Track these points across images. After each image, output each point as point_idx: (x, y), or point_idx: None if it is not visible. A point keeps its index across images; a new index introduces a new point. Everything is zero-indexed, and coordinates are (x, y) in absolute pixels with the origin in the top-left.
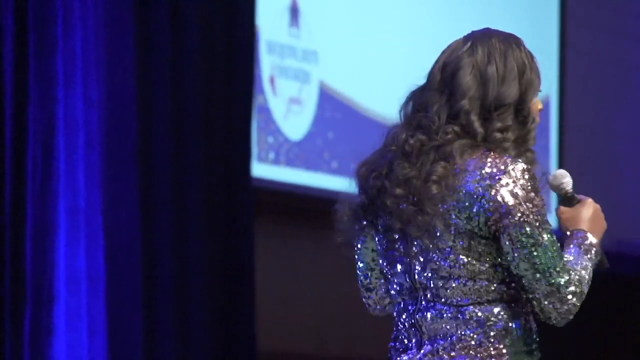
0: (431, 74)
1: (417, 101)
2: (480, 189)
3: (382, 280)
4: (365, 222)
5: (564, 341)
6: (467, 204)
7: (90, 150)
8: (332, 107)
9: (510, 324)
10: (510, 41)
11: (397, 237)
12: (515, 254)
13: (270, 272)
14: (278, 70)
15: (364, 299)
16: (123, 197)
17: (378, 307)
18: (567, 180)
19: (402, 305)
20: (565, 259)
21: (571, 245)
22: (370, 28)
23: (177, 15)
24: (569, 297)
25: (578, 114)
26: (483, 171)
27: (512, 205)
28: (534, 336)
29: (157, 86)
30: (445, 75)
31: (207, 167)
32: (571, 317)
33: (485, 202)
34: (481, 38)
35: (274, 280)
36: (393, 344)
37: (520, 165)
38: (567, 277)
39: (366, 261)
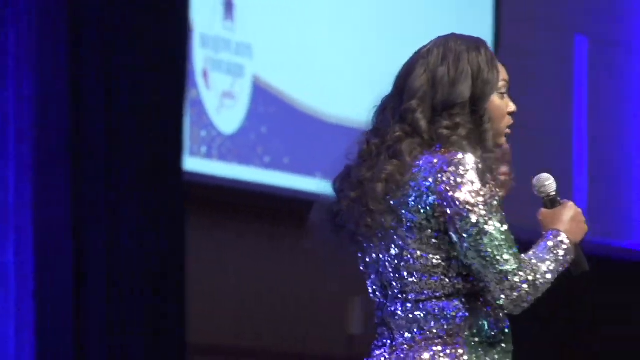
0: (395, 79)
1: (381, 106)
2: (426, 182)
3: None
4: (343, 229)
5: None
6: (414, 197)
7: (20, 145)
8: (265, 101)
9: (470, 317)
10: (470, 44)
11: (359, 239)
12: (463, 244)
13: (202, 266)
14: (211, 63)
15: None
16: (53, 192)
17: None
18: (549, 184)
19: (377, 304)
20: (517, 251)
21: (540, 242)
22: (305, 22)
23: (108, 8)
24: (519, 284)
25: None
26: (430, 165)
27: (456, 195)
28: (499, 328)
29: (88, 80)
30: (401, 78)
31: (139, 161)
32: (524, 305)
33: (431, 194)
34: (441, 41)
35: (205, 274)
36: (375, 342)
37: (466, 158)
38: (515, 265)
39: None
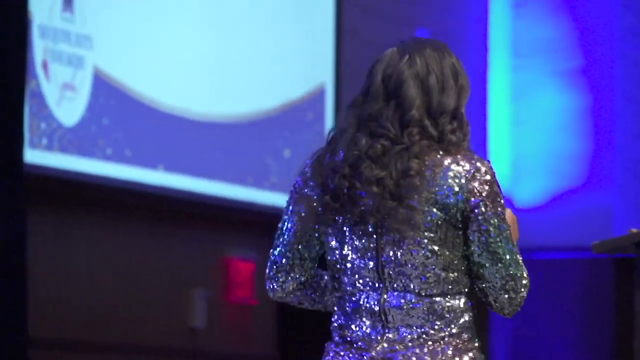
0: (373, 86)
1: (365, 110)
2: (456, 182)
3: (305, 267)
4: (328, 218)
5: None
6: (444, 195)
7: None
8: (106, 93)
9: (470, 316)
10: (442, 49)
11: (361, 232)
12: (481, 244)
13: (46, 259)
14: (51, 55)
15: (274, 282)
16: None
17: (285, 293)
18: None
19: (357, 296)
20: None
21: None
22: (144, 13)
23: None
24: (522, 289)
25: None
26: (458, 167)
27: (484, 197)
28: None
29: None
30: (389, 87)
31: None
32: (519, 309)
33: (461, 195)
34: (416, 48)
35: (49, 267)
36: (337, 332)
37: (488, 163)
38: (522, 270)
39: (299, 246)
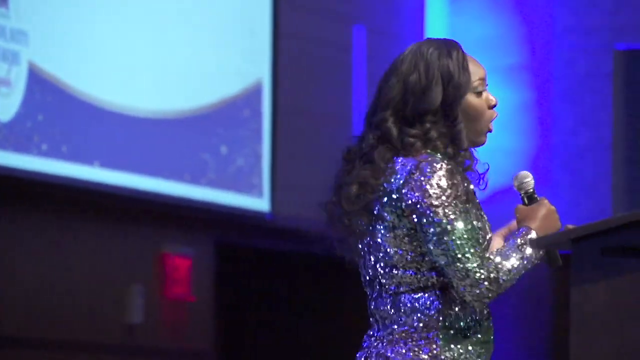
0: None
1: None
2: (397, 183)
3: None
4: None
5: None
6: (387, 198)
7: None
8: (42, 88)
9: (443, 310)
10: (442, 49)
11: (357, 239)
12: (429, 241)
13: None
14: None
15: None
16: None
17: None
18: (527, 181)
19: (367, 296)
20: (482, 249)
21: (510, 239)
22: (80, 8)
23: None
24: (480, 282)
25: (291, 98)
26: (402, 168)
27: (421, 196)
28: (475, 319)
29: None
30: (378, 87)
31: None
32: (486, 300)
33: (400, 195)
34: (415, 48)
35: None
36: (367, 332)
37: (433, 160)
38: (477, 263)
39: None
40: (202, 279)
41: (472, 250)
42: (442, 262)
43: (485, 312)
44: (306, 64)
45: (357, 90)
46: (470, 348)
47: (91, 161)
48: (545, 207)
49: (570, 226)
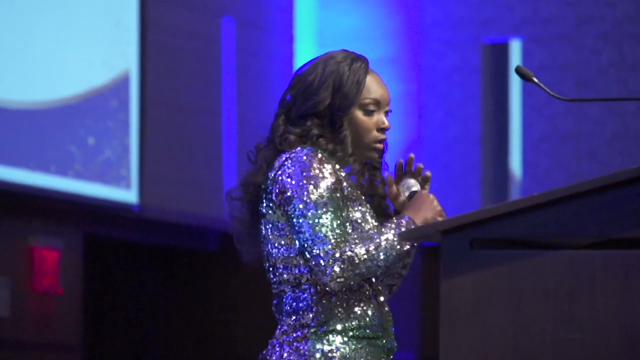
0: None
1: None
2: (270, 177)
3: None
4: None
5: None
6: (265, 194)
7: None
8: None
9: (316, 306)
10: (348, 59)
11: None
12: (291, 229)
13: None
14: None
15: None
16: None
17: None
18: (414, 189)
19: None
20: (337, 236)
21: (381, 227)
22: None
23: None
24: (329, 268)
25: (159, 90)
26: (277, 163)
27: (287, 184)
28: (357, 317)
29: None
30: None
31: None
32: (340, 281)
33: (273, 187)
34: (329, 53)
35: None
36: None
37: (302, 151)
38: (329, 246)
39: None
40: (70, 271)
41: (328, 235)
42: (299, 249)
43: (370, 311)
44: (175, 56)
45: (226, 82)
46: (347, 343)
47: None
48: (422, 196)
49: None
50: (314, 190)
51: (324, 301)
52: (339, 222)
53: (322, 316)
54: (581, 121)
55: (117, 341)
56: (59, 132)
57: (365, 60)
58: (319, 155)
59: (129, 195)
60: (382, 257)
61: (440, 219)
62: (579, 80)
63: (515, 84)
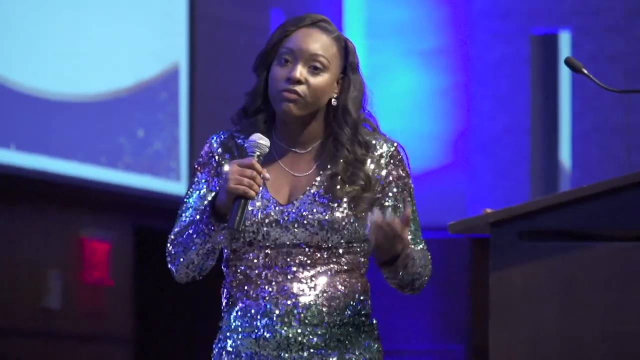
0: None
1: None
2: None
3: None
4: None
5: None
6: None
7: None
8: None
9: (228, 302)
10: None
11: None
12: None
13: None
14: None
15: None
16: None
17: None
18: (262, 143)
19: None
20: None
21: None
22: None
23: None
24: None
25: (208, 82)
26: None
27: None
28: (248, 314)
29: None
30: None
31: None
32: (171, 267)
33: None
34: None
35: None
36: None
37: (212, 136)
38: (172, 236)
39: None
40: (120, 263)
41: (179, 219)
42: None
43: (268, 306)
44: (224, 48)
45: None
46: (240, 342)
47: (7, 144)
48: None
49: (488, 210)
50: (194, 174)
51: (229, 295)
52: (187, 213)
53: (228, 312)
54: (631, 112)
55: (167, 333)
56: (109, 125)
57: (305, 15)
58: (214, 138)
59: (178, 187)
60: (190, 240)
61: (234, 185)
62: (627, 71)
63: (564, 75)
